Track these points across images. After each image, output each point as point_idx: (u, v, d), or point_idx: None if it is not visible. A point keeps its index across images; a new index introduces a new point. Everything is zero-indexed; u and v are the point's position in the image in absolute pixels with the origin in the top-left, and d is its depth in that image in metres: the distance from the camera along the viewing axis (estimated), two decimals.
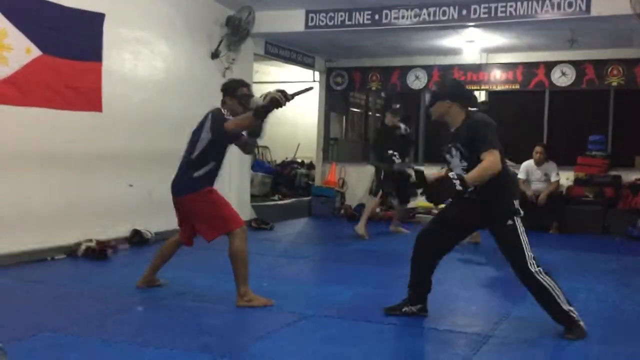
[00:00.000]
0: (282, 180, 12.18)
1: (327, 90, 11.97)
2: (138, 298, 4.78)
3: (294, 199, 11.33)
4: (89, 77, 6.60)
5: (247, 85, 4.88)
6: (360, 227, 8.22)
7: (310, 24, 8.83)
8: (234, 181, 9.19)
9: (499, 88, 10.68)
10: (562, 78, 10.22)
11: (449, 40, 9.67)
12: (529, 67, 10.45)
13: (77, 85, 6.46)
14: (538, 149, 9.26)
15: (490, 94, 10.73)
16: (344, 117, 12.68)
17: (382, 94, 12.16)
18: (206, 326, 4.14)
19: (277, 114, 4.66)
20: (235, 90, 4.79)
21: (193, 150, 4.67)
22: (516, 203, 3.95)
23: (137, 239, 7.21)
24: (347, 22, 8.67)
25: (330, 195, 11.23)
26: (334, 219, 10.65)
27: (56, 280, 5.39)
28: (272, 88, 4.80)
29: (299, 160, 13.41)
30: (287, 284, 5.50)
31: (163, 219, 7.74)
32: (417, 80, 11.17)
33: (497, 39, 9.49)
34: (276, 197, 11.42)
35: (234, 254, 4.61)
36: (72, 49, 6.42)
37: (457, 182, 3.72)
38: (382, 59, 11.28)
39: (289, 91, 4.42)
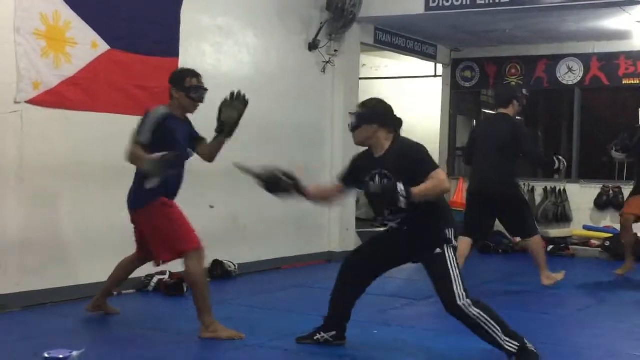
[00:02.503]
0: None
1: (452, 88, 11.89)
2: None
3: None
4: (164, 76, 6.84)
5: (197, 76, 5.17)
6: (547, 276, 7.58)
7: (432, 4, 8.80)
8: None
9: None
10: None
11: (614, 21, 9.42)
12: None
13: (150, 85, 6.72)
14: None
15: None
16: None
17: (524, 91, 11.89)
18: None
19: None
20: (182, 81, 5.09)
21: None
22: (449, 232, 4.56)
23: (219, 271, 7.42)
24: (478, 1, 8.58)
25: (457, 220, 11.05)
26: None
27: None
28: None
29: None
30: (404, 332, 5.49)
31: (254, 247, 7.93)
32: (570, 73, 10.94)
33: None
34: None
35: (191, 279, 4.99)
36: (144, 42, 6.72)
37: (402, 199, 4.16)
38: (524, 47, 11.13)
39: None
